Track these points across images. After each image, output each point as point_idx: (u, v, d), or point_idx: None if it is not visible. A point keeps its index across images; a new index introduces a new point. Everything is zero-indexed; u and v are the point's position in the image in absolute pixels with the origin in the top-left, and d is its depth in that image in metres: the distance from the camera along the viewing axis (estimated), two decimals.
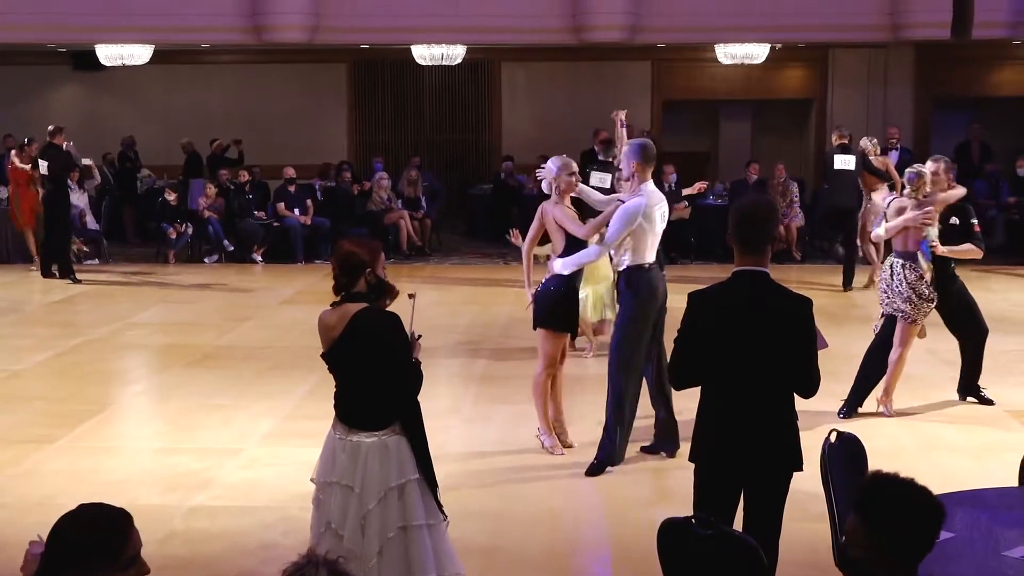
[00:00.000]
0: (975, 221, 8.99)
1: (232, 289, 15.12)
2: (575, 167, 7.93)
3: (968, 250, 8.82)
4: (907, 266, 8.58)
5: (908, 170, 8.83)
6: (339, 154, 20.46)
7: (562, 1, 16.78)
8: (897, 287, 8.58)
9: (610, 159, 11.04)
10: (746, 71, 19.79)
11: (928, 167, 8.92)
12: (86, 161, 17.55)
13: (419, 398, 5.10)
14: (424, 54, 17.64)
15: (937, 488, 3.58)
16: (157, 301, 14.17)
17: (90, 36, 17.30)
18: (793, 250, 17.18)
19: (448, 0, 16.77)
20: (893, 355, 8.78)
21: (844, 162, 14.57)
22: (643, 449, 7.99)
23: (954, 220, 8.91)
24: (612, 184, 10.75)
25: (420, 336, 5.18)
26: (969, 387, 9.26)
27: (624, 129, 9.52)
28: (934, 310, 8.78)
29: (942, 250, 8.64)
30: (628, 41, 17.20)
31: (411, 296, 5.26)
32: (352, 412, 5.05)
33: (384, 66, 21.12)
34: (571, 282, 7.82)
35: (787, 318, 4.72)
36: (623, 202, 7.52)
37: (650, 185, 7.53)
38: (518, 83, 21.50)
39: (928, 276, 8.56)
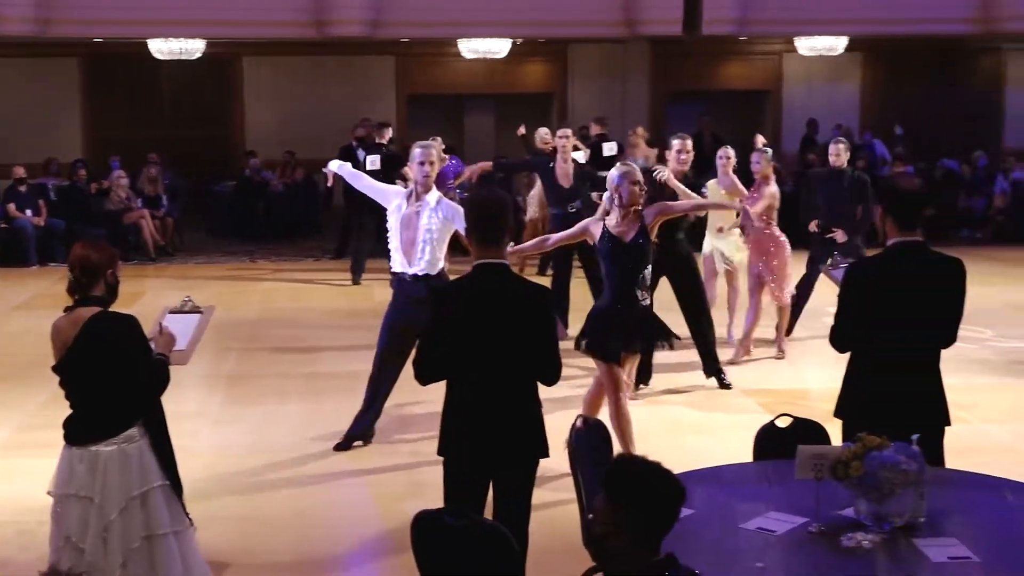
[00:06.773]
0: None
1: None
2: (639, 175, 7.03)
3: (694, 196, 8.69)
4: None
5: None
6: (73, 152, 19.58)
7: None
8: None
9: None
10: (489, 65, 20.03)
11: (674, 144, 9.33)
12: None
13: (163, 401, 4.97)
14: (161, 48, 17.11)
15: (679, 467, 3.71)
16: None
17: None
18: None
19: None
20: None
21: (610, 149, 14.89)
22: (337, 447, 7.89)
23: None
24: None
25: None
26: (708, 367, 9.57)
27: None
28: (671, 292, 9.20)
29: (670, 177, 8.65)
30: (370, 35, 17.17)
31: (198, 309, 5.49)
32: (86, 425, 4.85)
33: (118, 60, 20.37)
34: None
35: (527, 307, 4.82)
36: None
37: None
38: (261, 78, 21.12)
39: None
